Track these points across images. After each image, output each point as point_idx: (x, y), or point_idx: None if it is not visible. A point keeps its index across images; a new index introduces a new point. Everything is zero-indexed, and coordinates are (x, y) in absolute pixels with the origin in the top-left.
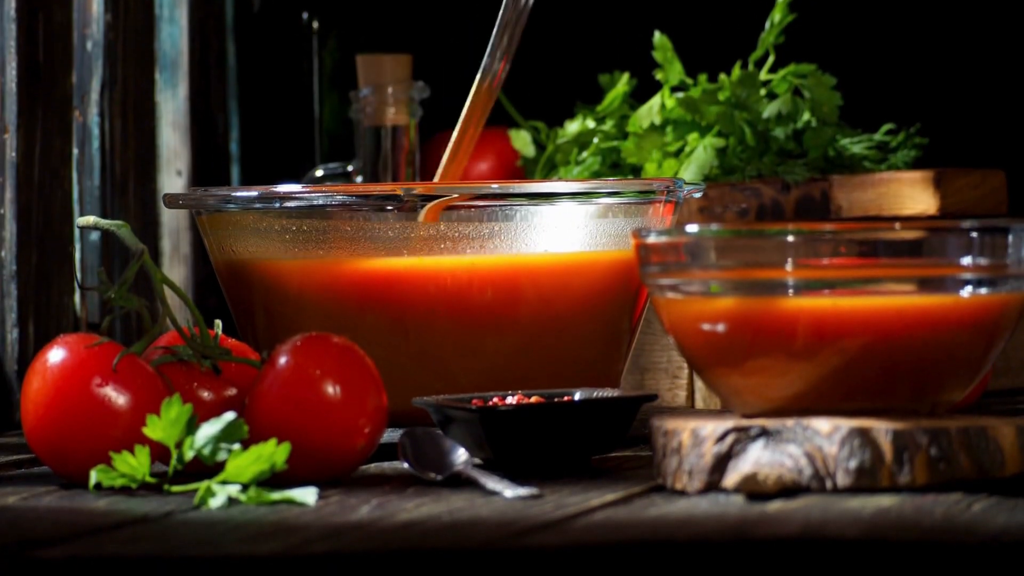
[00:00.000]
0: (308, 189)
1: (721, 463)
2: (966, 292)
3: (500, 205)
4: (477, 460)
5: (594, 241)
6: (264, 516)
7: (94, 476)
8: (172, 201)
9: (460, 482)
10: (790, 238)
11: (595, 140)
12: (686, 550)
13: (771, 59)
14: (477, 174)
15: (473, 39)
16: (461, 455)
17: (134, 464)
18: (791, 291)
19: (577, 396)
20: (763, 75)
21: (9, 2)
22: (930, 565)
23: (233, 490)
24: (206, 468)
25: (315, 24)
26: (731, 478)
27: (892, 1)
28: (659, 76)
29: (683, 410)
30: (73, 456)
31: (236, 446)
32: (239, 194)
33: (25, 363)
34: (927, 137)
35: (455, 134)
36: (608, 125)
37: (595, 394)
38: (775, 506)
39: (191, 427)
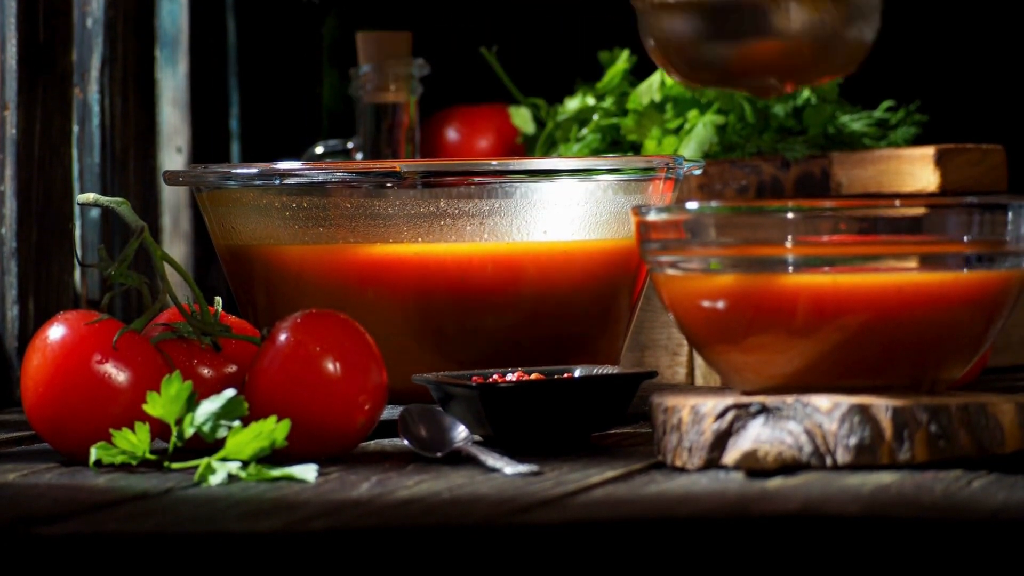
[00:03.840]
0: (308, 166)
1: (721, 440)
2: (966, 269)
3: (500, 182)
4: (477, 437)
5: (594, 219)
6: (264, 493)
7: (94, 453)
8: (172, 178)
9: (460, 459)
10: (790, 215)
11: (595, 117)
12: (686, 527)
13: None
14: (477, 151)
15: (472, 16)
16: (461, 432)
17: (134, 441)
18: (791, 268)
19: (577, 373)
20: None
21: None
22: (930, 542)
23: (233, 467)
24: (206, 445)
25: (315, 0)
26: (731, 455)
27: None
28: None
29: (683, 387)
30: (73, 433)
31: (236, 423)
32: (239, 171)
33: (25, 340)
34: (927, 114)
35: None
36: (608, 102)
37: (595, 371)
38: (775, 483)
39: (191, 404)
